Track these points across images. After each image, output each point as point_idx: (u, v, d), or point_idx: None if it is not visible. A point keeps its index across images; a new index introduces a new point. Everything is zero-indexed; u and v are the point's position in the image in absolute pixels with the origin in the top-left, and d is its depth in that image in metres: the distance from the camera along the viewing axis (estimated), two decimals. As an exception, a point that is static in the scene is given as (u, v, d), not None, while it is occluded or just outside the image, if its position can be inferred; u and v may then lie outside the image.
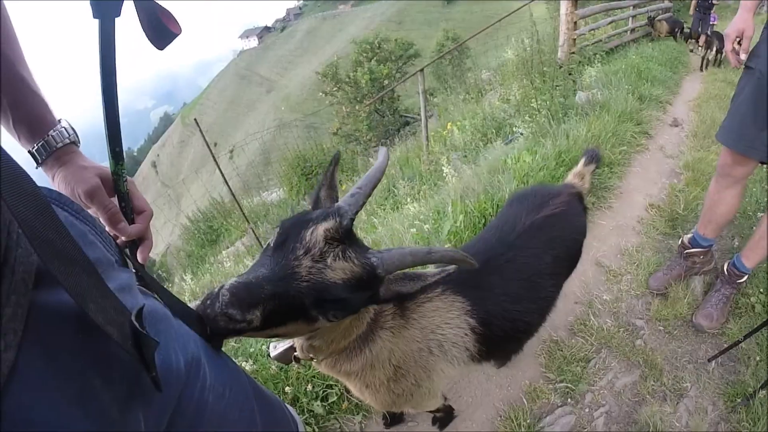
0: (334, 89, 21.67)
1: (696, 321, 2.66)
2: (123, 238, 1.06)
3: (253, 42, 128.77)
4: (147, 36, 1.01)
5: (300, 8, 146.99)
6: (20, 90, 0.99)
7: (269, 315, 0.94)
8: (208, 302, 0.92)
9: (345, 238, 1.04)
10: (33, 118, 1.02)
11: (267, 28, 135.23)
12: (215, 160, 8.02)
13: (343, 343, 1.29)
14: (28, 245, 0.61)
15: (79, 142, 1.08)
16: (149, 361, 0.71)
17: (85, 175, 1.03)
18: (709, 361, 2.46)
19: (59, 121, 1.06)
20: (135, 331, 0.70)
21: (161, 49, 1.05)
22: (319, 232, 1.02)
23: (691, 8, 10.64)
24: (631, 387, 2.37)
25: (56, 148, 1.03)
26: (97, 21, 0.95)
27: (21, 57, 1.00)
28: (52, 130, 1.03)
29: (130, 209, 1.09)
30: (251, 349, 2.53)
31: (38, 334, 0.59)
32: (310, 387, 2.27)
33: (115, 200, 1.07)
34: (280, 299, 0.94)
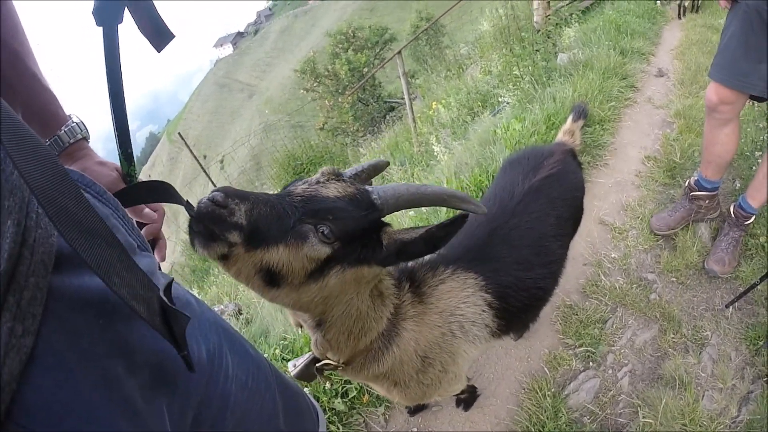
0: (315, 84, 21.58)
1: (708, 267, 2.62)
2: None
3: (228, 49, 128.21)
4: (146, 37, 1.01)
5: (270, 9, 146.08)
6: (31, 86, 0.98)
7: (257, 223, 0.89)
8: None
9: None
10: (45, 115, 1.01)
11: (240, 34, 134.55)
12: (205, 171, 7.97)
13: (364, 341, 1.23)
14: (48, 225, 0.59)
15: (89, 138, 1.08)
16: (180, 339, 0.69)
17: (104, 171, 1.04)
18: (727, 306, 2.43)
19: (69, 116, 1.05)
20: (163, 307, 0.67)
21: (159, 51, 1.05)
22: (317, 174, 1.05)
23: None
24: (651, 342, 2.34)
25: (69, 144, 1.03)
26: (101, 29, 0.96)
27: (30, 52, 0.98)
28: (63, 126, 1.02)
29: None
30: (264, 355, 2.49)
31: (59, 319, 0.58)
32: (328, 385, 2.23)
33: None
34: (270, 207, 0.92)
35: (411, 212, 3.40)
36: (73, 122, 1.04)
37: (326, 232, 0.95)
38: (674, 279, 2.65)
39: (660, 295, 2.56)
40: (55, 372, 0.55)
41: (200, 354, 0.89)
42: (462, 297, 1.43)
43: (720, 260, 2.61)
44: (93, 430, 0.58)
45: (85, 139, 1.06)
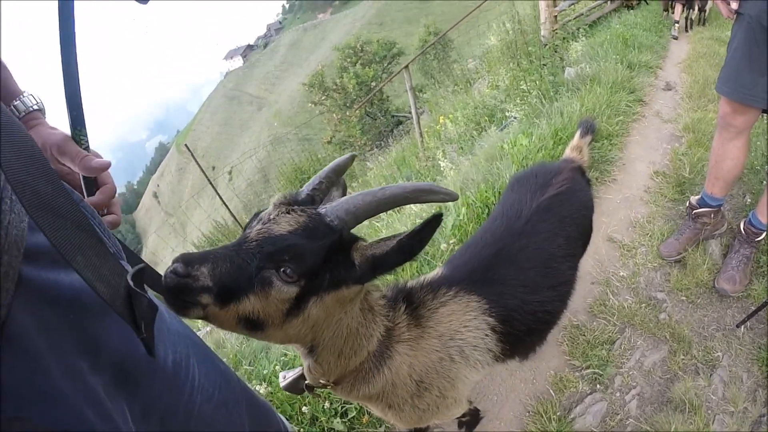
0: (323, 98, 21.68)
1: (719, 286, 2.56)
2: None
3: (238, 62, 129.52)
4: None
5: (280, 22, 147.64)
6: None
7: (222, 280, 0.90)
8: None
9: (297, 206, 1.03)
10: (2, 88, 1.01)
11: (250, 47, 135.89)
12: (212, 184, 7.99)
13: (354, 361, 1.20)
14: (21, 211, 0.62)
15: (45, 112, 1.08)
16: (139, 320, 0.73)
17: (54, 132, 1.03)
18: (738, 326, 2.36)
19: (24, 91, 1.05)
20: (130, 293, 0.72)
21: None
22: (270, 206, 1.04)
23: None
24: (660, 364, 2.28)
25: (24, 114, 1.03)
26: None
27: None
28: (16, 99, 1.02)
29: (93, 189, 1.06)
30: (264, 371, 2.47)
31: (31, 307, 0.62)
32: (327, 404, 2.19)
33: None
34: (230, 261, 0.92)
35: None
36: (29, 94, 1.04)
37: (288, 272, 0.94)
38: (684, 298, 2.59)
39: (670, 314, 2.50)
40: (27, 358, 0.59)
41: (166, 361, 0.93)
42: (464, 321, 1.38)
43: (731, 278, 2.55)
44: (62, 417, 0.60)
45: (41, 111, 1.06)
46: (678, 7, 8.75)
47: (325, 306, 1.02)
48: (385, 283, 1.51)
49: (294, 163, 11.45)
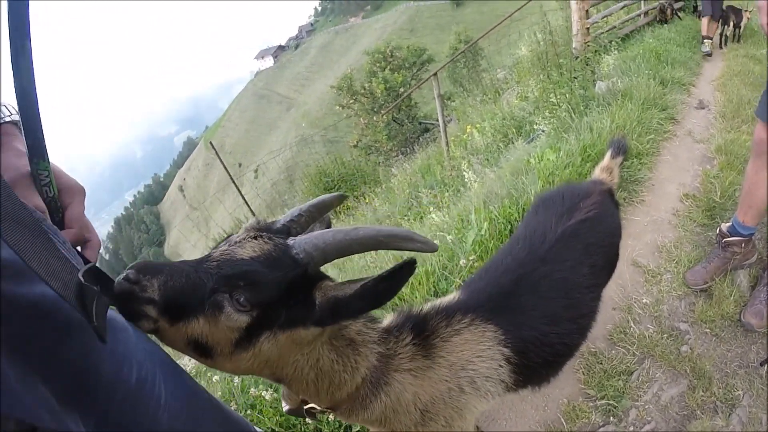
0: (351, 102, 21.78)
1: (745, 320, 2.45)
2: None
3: (269, 62, 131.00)
4: None
5: (312, 24, 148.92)
6: None
7: (170, 295, 0.86)
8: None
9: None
10: None
11: (281, 47, 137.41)
12: (234, 183, 8.05)
13: (341, 393, 1.16)
14: None
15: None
16: (89, 310, 0.74)
17: (17, 163, 0.95)
18: (762, 365, 2.25)
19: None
20: (81, 288, 0.73)
21: None
22: (242, 229, 1.01)
23: None
24: (678, 399, 2.19)
25: None
26: None
27: None
28: None
29: (59, 215, 0.99)
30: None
31: None
32: (331, 417, 2.16)
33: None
34: (186, 277, 0.88)
35: (436, 241, 3.32)
36: (3, 104, 0.97)
37: (241, 300, 0.89)
38: (708, 330, 2.49)
39: (692, 347, 2.40)
40: None
41: (129, 378, 0.93)
42: (477, 351, 1.33)
43: (758, 313, 2.44)
44: (18, 417, 0.61)
45: (16, 125, 0.98)
46: (713, 24, 8.57)
47: (278, 344, 0.97)
48: (394, 306, 1.47)
49: (319, 166, 11.48)
